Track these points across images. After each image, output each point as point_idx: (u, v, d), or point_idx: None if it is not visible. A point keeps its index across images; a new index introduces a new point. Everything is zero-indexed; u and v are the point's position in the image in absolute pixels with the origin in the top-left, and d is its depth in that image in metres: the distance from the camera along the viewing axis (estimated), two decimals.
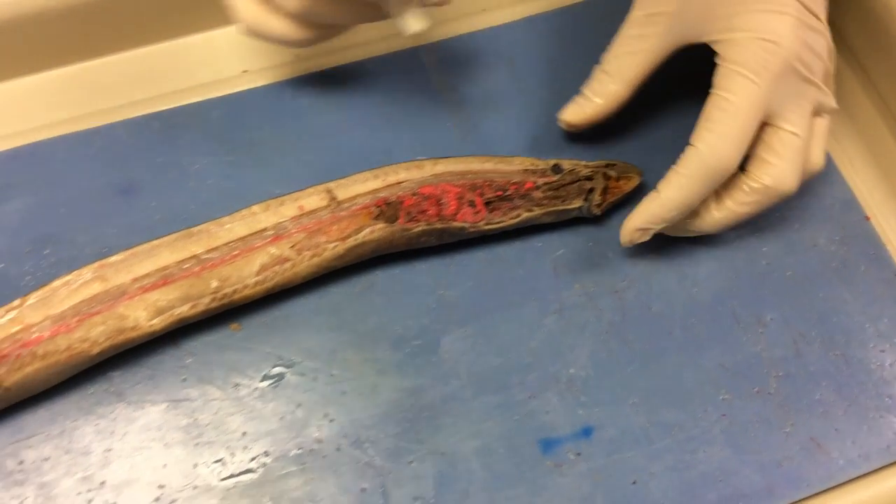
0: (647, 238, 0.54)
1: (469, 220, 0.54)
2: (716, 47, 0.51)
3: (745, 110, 0.50)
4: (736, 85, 0.50)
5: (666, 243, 0.58)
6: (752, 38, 0.50)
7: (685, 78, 0.55)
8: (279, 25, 0.53)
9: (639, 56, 0.54)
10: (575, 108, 0.57)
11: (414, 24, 0.51)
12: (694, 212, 0.54)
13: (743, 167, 0.52)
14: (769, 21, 0.50)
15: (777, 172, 0.51)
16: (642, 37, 0.54)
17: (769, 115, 0.51)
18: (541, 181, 0.56)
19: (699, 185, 0.51)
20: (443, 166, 0.55)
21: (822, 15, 0.52)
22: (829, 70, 0.53)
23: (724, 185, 0.53)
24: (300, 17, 0.52)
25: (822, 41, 0.52)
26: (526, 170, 0.56)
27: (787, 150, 0.51)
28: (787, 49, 0.49)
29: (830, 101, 0.54)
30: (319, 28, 0.54)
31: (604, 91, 0.56)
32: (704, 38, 0.52)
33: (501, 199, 0.55)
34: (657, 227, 0.53)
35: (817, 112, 0.54)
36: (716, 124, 0.50)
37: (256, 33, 0.54)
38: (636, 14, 0.55)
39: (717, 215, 0.53)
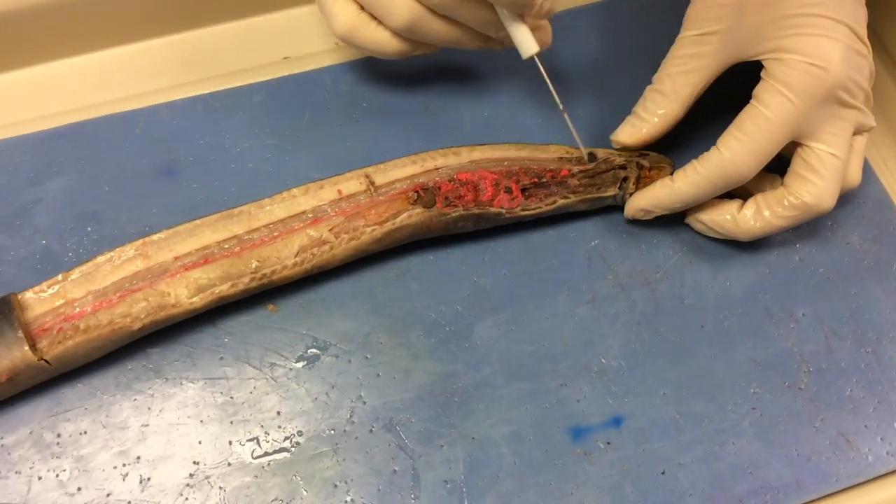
0: (648, 218, 0.57)
1: (505, 205, 0.55)
2: (764, 62, 0.52)
3: (777, 129, 0.51)
4: (775, 102, 0.51)
5: (699, 237, 0.58)
6: (800, 62, 0.50)
7: (724, 81, 0.55)
8: (376, 37, 0.54)
9: (693, 75, 0.54)
10: (629, 129, 0.56)
11: (530, 47, 0.53)
12: (731, 219, 0.55)
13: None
14: (820, 46, 0.50)
15: (817, 191, 0.52)
16: (695, 56, 0.54)
17: (806, 134, 0.52)
18: (576, 169, 0.56)
19: (711, 187, 0.53)
20: (480, 153, 0.56)
21: (866, 36, 0.52)
22: (869, 91, 0.53)
23: (763, 197, 0.54)
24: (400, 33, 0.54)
25: (866, 65, 0.52)
26: (561, 157, 0.57)
27: (827, 171, 0.52)
28: (833, 76, 0.50)
29: (870, 121, 0.54)
30: (416, 43, 0.55)
31: (659, 111, 0.55)
32: (755, 56, 0.52)
33: (537, 185, 0.55)
34: (660, 212, 0.56)
35: (857, 131, 0.54)
36: (744, 135, 0.51)
37: (352, 42, 0.55)
38: (687, 34, 0.54)
39: (755, 225, 0.54)
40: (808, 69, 0.50)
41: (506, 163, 0.56)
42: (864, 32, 0.52)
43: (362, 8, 0.54)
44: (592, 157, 0.57)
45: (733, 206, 0.55)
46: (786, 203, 0.53)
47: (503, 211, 0.55)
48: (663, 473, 0.51)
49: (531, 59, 0.54)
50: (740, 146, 0.51)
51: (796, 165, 0.53)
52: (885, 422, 0.54)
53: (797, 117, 0.51)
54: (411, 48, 0.55)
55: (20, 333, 0.47)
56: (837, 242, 0.59)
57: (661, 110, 0.55)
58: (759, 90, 0.52)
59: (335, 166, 0.56)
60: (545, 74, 0.54)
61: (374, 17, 0.54)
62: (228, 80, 0.62)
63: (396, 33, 0.54)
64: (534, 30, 0.53)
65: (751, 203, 0.54)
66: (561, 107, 0.55)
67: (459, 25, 0.54)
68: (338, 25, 0.54)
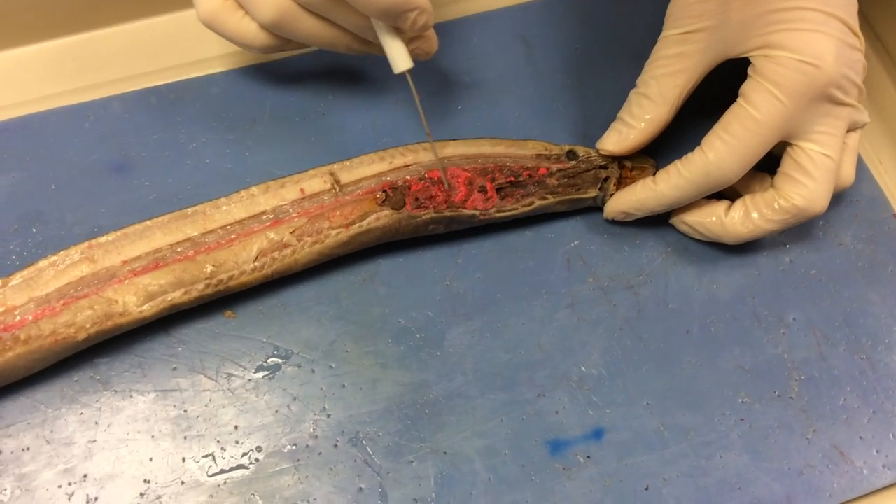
0: (629, 220, 0.55)
1: (479, 206, 0.52)
2: (752, 59, 0.49)
3: (766, 130, 0.49)
4: (764, 102, 0.48)
5: (685, 238, 0.56)
6: (791, 59, 0.47)
7: (710, 76, 0.53)
8: (241, 29, 0.51)
9: (679, 76, 0.52)
10: (616, 136, 0.54)
11: (401, 63, 0.49)
12: (718, 221, 0.53)
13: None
14: (812, 42, 0.47)
15: (809, 193, 0.50)
16: (680, 56, 0.51)
17: (796, 134, 0.50)
18: (555, 167, 0.54)
19: (695, 190, 0.51)
20: (452, 149, 0.53)
21: (857, 27, 0.49)
22: (862, 86, 0.51)
23: (752, 198, 0.52)
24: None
25: (860, 59, 0.50)
26: (539, 154, 0.54)
27: (820, 171, 0.50)
28: (827, 74, 0.47)
29: (864, 117, 0.52)
30: (286, 40, 0.52)
31: (646, 116, 0.53)
32: (743, 53, 0.49)
33: (514, 185, 0.53)
34: (642, 215, 0.54)
35: (850, 128, 0.52)
36: (731, 136, 0.49)
37: (216, 30, 0.52)
38: (670, 33, 0.52)
39: (743, 228, 0.52)
40: (800, 67, 0.47)
41: (480, 160, 0.53)
42: (856, 24, 0.49)
43: None
44: (572, 154, 0.54)
45: (720, 207, 0.53)
46: (776, 206, 0.50)
47: (477, 213, 0.52)
48: (647, 489, 0.49)
49: (403, 74, 0.50)
50: (726, 148, 0.49)
51: (786, 166, 0.51)
52: (880, 433, 0.52)
53: (787, 117, 0.48)
54: (280, 44, 0.52)
55: None
56: (830, 243, 0.57)
57: (647, 115, 0.53)
58: (747, 88, 0.49)
59: (299, 163, 0.53)
60: (415, 93, 0.50)
61: (241, 6, 0.51)
62: (186, 70, 0.59)
63: (264, 27, 0.51)
64: (415, 39, 0.50)
65: (739, 205, 0.52)
66: (427, 130, 0.51)
67: (334, 26, 0.51)
68: (202, 10, 0.51)
